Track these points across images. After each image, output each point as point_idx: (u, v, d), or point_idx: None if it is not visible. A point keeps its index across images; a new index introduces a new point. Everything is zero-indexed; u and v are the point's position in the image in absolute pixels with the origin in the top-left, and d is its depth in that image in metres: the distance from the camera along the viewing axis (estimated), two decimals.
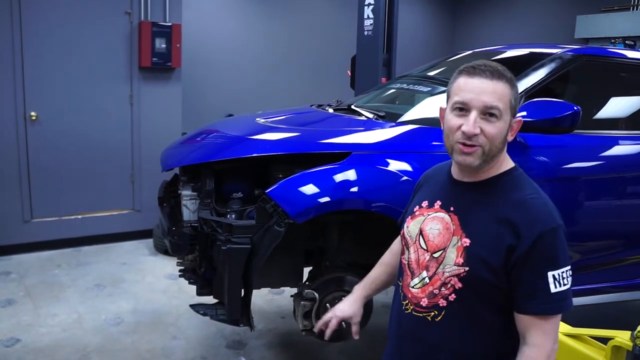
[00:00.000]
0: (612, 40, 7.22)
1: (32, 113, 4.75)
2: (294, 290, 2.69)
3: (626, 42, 7.06)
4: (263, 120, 2.94)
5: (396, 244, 1.78)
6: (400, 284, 1.55)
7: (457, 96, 1.38)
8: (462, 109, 1.37)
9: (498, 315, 1.40)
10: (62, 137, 4.92)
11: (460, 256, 1.38)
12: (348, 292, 2.53)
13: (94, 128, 5.05)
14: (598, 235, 2.84)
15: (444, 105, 1.46)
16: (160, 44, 5.10)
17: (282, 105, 4.85)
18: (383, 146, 2.42)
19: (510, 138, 1.41)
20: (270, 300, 4.04)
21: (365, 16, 4.97)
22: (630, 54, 3.13)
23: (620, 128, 3.03)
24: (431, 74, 3.40)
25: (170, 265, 4.64)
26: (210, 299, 2.75)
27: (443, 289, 1.41)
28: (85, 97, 4.96)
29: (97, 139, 5.07)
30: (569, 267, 1.35)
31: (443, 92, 3.06)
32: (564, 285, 1.33)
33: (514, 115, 1.40)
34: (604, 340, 2.19)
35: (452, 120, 1.39)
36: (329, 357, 3.41)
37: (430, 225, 1.47)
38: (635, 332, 2.01)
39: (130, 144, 5.24)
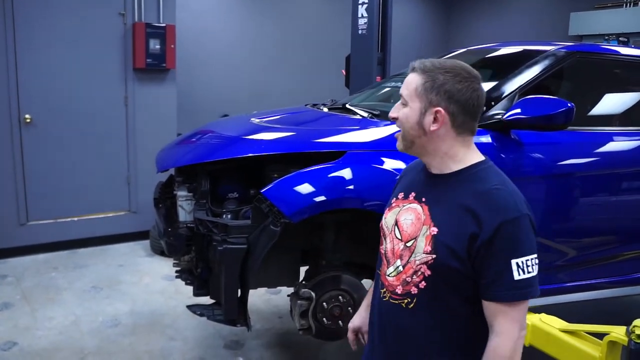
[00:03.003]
0: (606, 37, 7.24)
1: (27, 116, 4.74)
2: (291, 290, 2.70)
3: (620, 38, 7.08)
4: (258, 120, 2.94)
5: None
6: (379, 273, 1.61)
7: None
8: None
9: (466, 304, 1.44)
10: (57, 139, 4.91)
11: (429, 244, 1.43)
12: (344, 290, 2.55)
13: (89, 130, 5.04)
14: (593, 231, 2.85)
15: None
16: (155, 45, 5.09)
17: (277, 105, 4.85)
18: (378, 145, 2.42)
19: (433, 128, 1.45)
20: (267, 300, 4.04)
21: (360, 15, 4.97)
22: (624, 50, 3.14)
23: (614, 124, 3.04)
24: None
25: (167, 267, 4.63)
26: (207, 300, 2.75)
27: (414, 276, 1.46)
28: (80, 99, 4.95)
29: (92, 141, 5.06)
30: (534, 256, 1.38)
31: None
32: (529, 272, 1.36)
33: (430, 104, 1.44)
34: (600, 335, 2.20)
35: None
36: (326, 356, 3.41)
37: (404, 216, 1.53)
38: (631, 327, 2.02)
39: (126, 145, 5.23)
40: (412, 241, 1.47)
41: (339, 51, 6.89)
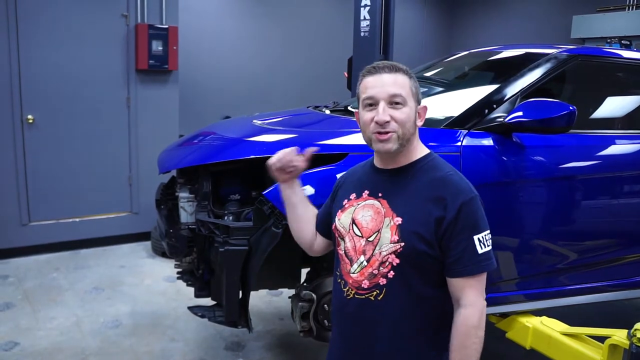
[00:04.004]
0: (608, 40, 7.24)
1: (29, 116, 4.75)
2: (292, 292, 2.69)
3: (622, 41, 7.07)
4: (260, 122, 2.95)
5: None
6: (339, 273, 1.66)
7: (364, 94, 1.56)
8: (372, 104, 1.55)
9: (434, 289, 1.54)
10: (59, 140, 4.92)
11: (395, 234, 1.51)
12: None
13: (91, 131, 5.05)
14: (595, 234, 2.84)
15: (357, 109, 1.63)
16: (157, 46, 5.11)
17: (279, 107, 4.86)
18: None
19: (419, 123, 1.60)
20: (268, 302, 4.04)
21: (362, 17, 4.96)
22: (626, 53, 3.14)
23: (616, 128, 3.04)
24: (428, 74, 3.41)
25: (168, 268, 4.64)
26: (208, 301, 2.75)
27: (382, 267, 1.53)
28: (82, 100, 4.97)
29: (94, 142, 5.08)
30: (489, 231, 1.53)
31: (440, 92, 3.11)
32: (487, 246, 1.52)
33: (418, 103, 1.60)
34: (601, 339, 2.21)
35: (365, 115, 1.56)
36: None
37: (361, 214, 1.60)
38: (632, 330, 2.02)
39: (128, 147, 5.24)
40: (375, 234, 1.54)
41: (341, 53, 6.90)
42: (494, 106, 2.59)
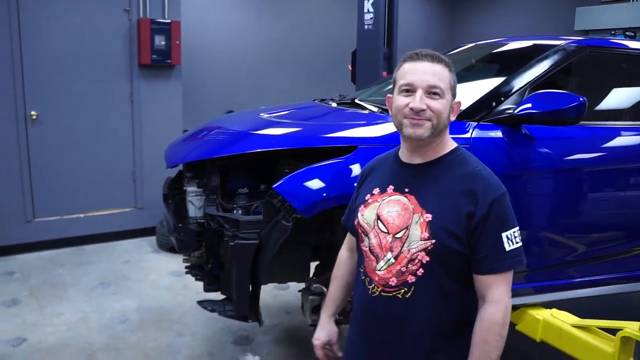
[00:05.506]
0: (612, 32, 7.21)
1: (32, 112, 4.74)
2: (300, 286, 2.69)
3: (626, 33, 7.04)
4: (267, 115, 2.93)
5: (343, 254, 1.88)
6: (362, 270, 1.62)
7: (403, 80, 1.53)
8: (409, 90, 1.52)
9: (461, 286, 1.53)
10: (63, 136, 4.91)
11: (425, 231, 1.48)
12: None
13: (95, 126, 5.04)
14: (604, 227, 2.83)
15: (391, 94, 1.60)
16: (160, 41, 5.09)
17: (282, 101, 4.83)
18: (389, 139, 2.40)
19: (452, 118, 1.57)
20: (275, 296, 4.04)
21: (366, 10, 4.95)
22: (633, 44, 3.12)
23: (625, 119, 3.03)
24: None
25: (173, 263, 4.64)
26: (217, 295, 2.75)
27: (410, 265, 1.50)
28: (86, 96, 4.96)
29: (98, 137, 5.07)
30: (517, 228, 1.52)
31: None
32: (516, 243, 1.50)
33: (454, 97, 1.57)
34: (613, 331, 2.19)
35: (400, 99, 1.53)
36: None
37: (387, 209, 1.56)
38: None
39: (131, 142, 5.23)
40: (403, 231, 1.51)
41: (344, 47, 6.88)
42: (503, 98, 2.58)
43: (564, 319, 2.42)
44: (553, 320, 2.44)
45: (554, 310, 2.52)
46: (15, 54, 4.58)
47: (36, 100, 4.74)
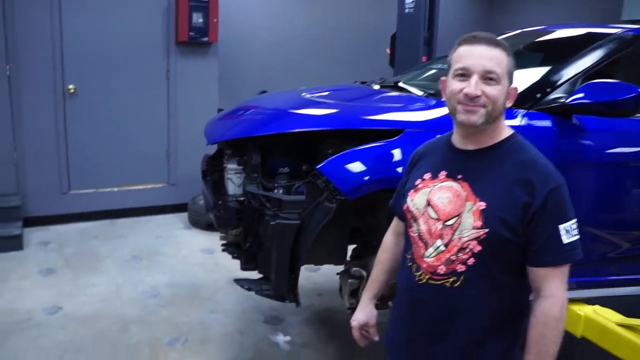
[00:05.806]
0: None
1: (70, 86, 4.79)
2: (332, 268, 2.66)
3: None
4: (309, 95, 2.90)
5: (388, 238, 1.85)
6: (410, 256, 1.58)
7: (458, 63, 1.48)
8: (464, 74, 1.46)
9: (512, 277, 1.48)
10: (99, 111, 4.97)
11: (479, 219, 1.44)
12: (396, 271, 2.51)
13: (131, 102, 5.08)
14: None
15: (444, 77, 1.55)
16: (197, 18, 5.09)
17: (318, 84, 4.78)
18: (437, 124, 2.35)
19: (508, 104, 1.52)
20: (306, 277, 4.03)
21: None
22: None
23: None
24: None
25: (205, 240, 4.67)
26: (253, 274, 2.74)
27: (460, 254, 1.46)
28: (123, 71, 4.99)
29: (134, 113, 5.11)
30: (575, 220, 1.45)
31: None
32: (574, 236, 1.44)
33: (510, 83, 1.51)
34: None
35: (454, 84, 1.48)
36: None
37: (438, 195, 1.52)
38: None
39: (167, 118, 5.26)
40: (455, 219, 1.47)
41: (380, 32, 6.78)
42: (554, 87, 2.50)
43: (608, 317, 2.35)
44: (596, 317, 2.38)
45: (597, 307, 2.45)
46: (55, 29, 4.63)
47: (74, 75, 4.80)
